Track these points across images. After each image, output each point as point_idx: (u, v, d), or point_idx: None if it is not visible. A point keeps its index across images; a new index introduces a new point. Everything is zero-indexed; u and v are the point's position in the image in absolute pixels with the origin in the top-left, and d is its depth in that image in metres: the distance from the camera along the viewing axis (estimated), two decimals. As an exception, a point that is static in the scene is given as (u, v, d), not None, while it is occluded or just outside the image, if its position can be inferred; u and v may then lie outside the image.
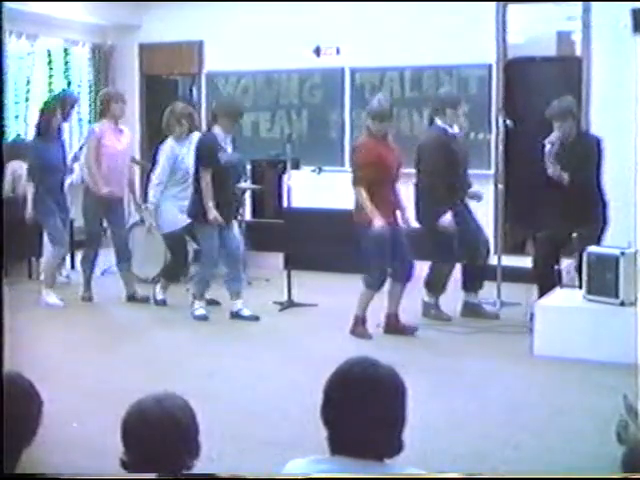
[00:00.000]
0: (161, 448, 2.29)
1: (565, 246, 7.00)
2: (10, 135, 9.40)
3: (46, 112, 7.76)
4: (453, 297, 7.22)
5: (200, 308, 7.18)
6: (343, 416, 2.25)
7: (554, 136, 6.84)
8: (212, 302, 7.44)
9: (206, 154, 7.03)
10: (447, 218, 6.82)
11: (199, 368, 5.80)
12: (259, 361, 6.02)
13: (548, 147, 6.81)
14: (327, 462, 2.26)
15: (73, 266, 8.94)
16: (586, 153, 6.81)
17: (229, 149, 7.11)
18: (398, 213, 6.64)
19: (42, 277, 8.04)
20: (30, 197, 7.64)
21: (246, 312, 7.16)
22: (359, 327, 6.57)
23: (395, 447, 2.27)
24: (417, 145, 7.21)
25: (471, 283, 7.20)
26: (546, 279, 6.88)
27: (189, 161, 7.46)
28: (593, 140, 7.00)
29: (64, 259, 8.33)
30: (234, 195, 7.44)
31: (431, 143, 7.04)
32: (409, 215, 6.74)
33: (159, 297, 7.71)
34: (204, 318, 7.13)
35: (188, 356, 6.15)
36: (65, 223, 7.86)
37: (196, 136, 7.66)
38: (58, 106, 7.87)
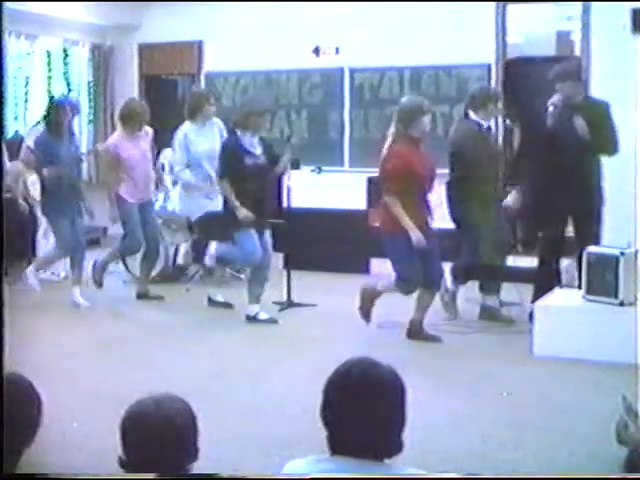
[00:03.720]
0: (157, 451, 2.30)
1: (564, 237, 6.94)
2: (9, 135, 9.40)
3: (55, 106, 7.70)
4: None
5: (262, 312, 7.05)
6: (343, 416, 2.25)
7: (556, 98, 6.69)
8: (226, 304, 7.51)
9: (223, 163, 6.97)
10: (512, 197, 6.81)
11: (198, 368, 5.80)
12: (258, 361, 6.02)
13: (551, 109, 6.66)
14: (327, 462, 2.26)
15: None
16: (592, 118, 6.61)
17: (257, 150, 6.96)
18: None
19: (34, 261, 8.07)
20: (39, 190, 7.69)
21: (263, 315, 7.06)
22: (420, 331, 6.49)
23: (395, 447, 2.27)
24: (452, 138, 7.10)
25: (489, 285, 7.12)
26: (547, 278, 6.85)
27: (202, 147, 7.44)
28: (601, 105, 6.76)
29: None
30: (263, 197, 7.11)
31: (468, 136, 6.86)
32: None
33: (219, 299, 7.62)
34: (272, 321, 7.01)
35: (187, 356, 6.15)
36: (76, 224, 7.68)
37: (214, 124, 7.65)
38: (68, 103, 7.87)
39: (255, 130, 6.95)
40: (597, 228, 6.80)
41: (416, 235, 6.20)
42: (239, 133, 6.91)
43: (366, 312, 6.60)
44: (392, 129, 6.43)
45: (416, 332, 6.52)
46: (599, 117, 6.68)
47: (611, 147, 6.71)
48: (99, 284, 7.88)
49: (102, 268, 7.93)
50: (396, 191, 6.28)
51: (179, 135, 7.69)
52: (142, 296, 7.96)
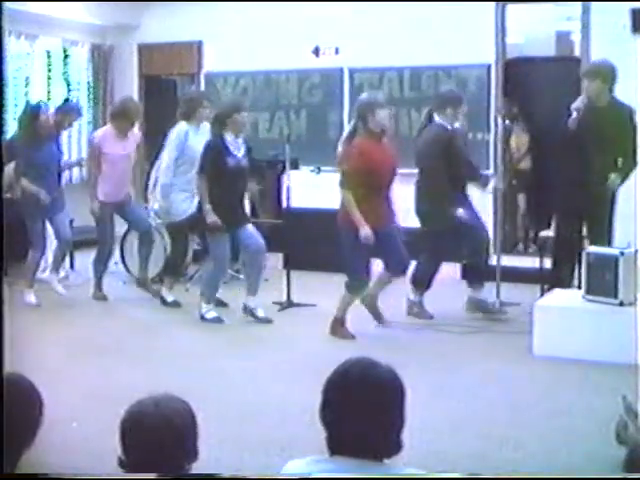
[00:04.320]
0: (157, 451, 2.29)
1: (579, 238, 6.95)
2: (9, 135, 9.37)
3: (29, 113, 7.67)
4: (451, 295, 7.22)
5: (211, 311, 7.11)
6: (342, 416, 2.25)
7: (579, 100, 6.65)
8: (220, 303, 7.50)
9: (204, 161, 6.94)
10: (460, 211, 6.76)
11: (198, 368, 5.80)
12: (258, 361, 6.02)
13: (574, 115, 6.60)
14: (326, 462, 2.26)
15: (72, 266, 8.95)
16: (616, 123, 6.59)
17: (241, 152, 6.99)
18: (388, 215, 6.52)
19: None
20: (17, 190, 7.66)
21: (260, 313, 7.09)
22: (339, 328, 6.54)
23: (394, 447, 2.27)
24: (415, 143, 7.13)
25: (475, 278, 7.15)
26: (562, 279, 6.86)
27: (197, 149, 7.30)
28: (626, 109, 6.67)
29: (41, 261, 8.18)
30: (242, 198, 7.24)
31: (431, 141, 6.91)
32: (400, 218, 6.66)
33: (170, 299, 7.68)
34: (218, 321, 7.07)
35: (187, 356, 6.14)
36: (56, 222, 7.73)
37: (206, 126, 7.55)
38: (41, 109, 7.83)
39: (235, 130, 6.95)
40: (610, 231, 6.78)
41: (365, 231, 6.22)
42: (221, 134, 6.92)
43: (343, 334, 6.54)
44: (350, 125, 6.52)
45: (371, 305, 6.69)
46: (622, 122, 6.62)
47: (630, 158, 6.58)
48: (102, 298, 7.90)
49: (98, 286, 7.95)
50: (351, 185, 6.29)
51: (179, 133, 7.59)
52: (141, 284, 7.98)
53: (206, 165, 6.92)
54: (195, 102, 7.69)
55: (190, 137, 7.54)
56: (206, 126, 7.55)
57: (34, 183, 7.50)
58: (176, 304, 7.65)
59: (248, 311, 7.11)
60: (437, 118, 6.96)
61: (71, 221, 8.79)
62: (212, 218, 6.83)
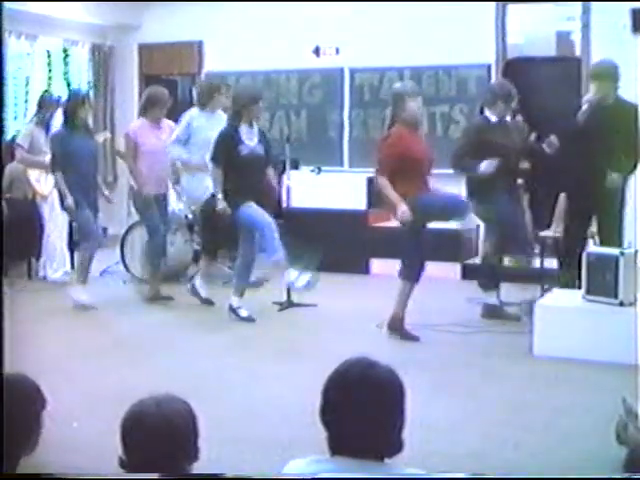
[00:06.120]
0: (157, 451, 2.30)
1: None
2: (9, 135, 9.38)
3: (73, 100, 7.66)
4: (451, 295, 7.22)
5: (243, 309, 7.04)
6: (342, 417, 2.25)
7: (591, 95, 6.74)
8: (207, 301, 7.50)
9: (216, 149, 6.94)
10: (485, 163, 6.56)
11: (198, 368, 5.80)
12: (258, 361, 6.02)
13: (585, 107, 6.66)
14: (327, 462, 2.26)
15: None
16: (622, 121, 6.62)
17: (254, 140, 6.97)
18: None
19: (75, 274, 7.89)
20: (55, 188, 7.65)
21: (244, 313, 7.09)
22: (400, 327, 6.42)
23: (395, 447, 2.27)
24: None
25: (489, 281, 7.11)
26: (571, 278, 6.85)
27: (208, 134, 7.33)
28: (632, 108, 6.67)
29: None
30: (259, 187, 7.10)
31: (468, 127, 6.95)
32: None
33: (203, 294, 7.61)
34: (250, 320, 7.00)
35: (188, 356, 6.15)
36: (94, 219, 7.58)
37: (222, 116, 7.58)
38: (86, 97, 7.82)
39: (250, 119, 6.95)
40: (621, 229, 6.77)
41: (402, 208, 6.13)
42: (236, 123, 6.93)
43: (404, 334, 6.44)
44: (387, 115, 6.54)
45: (396, 329, 6.45)
46: (628, 120, 6.61)
47: (631, 158, 6.67)
48: (164, 298, 7.81)
49: (154, 285, 7.83)
50: (389, 172, 6.24)
51: (185, 116, 7.80)
52: (154, 299, 7.84)
53: (219, 154, 6.92)
54: (213, 87, 7.82)
55: (200, 121, 7.64)
56: (221, 115, 7.59)
57: (81, 177, 7.41)
58: (209, 302, 7.57)
59: (231, 308, 7.08)
60: (487, 112, 6.92)
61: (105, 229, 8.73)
62: (221, 205, 6.84)
